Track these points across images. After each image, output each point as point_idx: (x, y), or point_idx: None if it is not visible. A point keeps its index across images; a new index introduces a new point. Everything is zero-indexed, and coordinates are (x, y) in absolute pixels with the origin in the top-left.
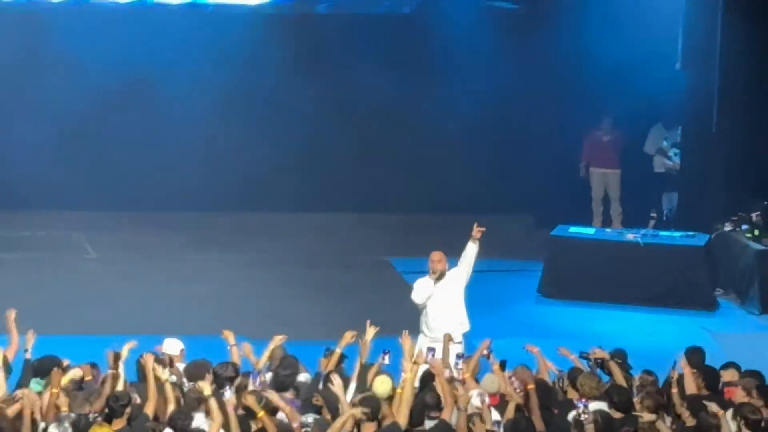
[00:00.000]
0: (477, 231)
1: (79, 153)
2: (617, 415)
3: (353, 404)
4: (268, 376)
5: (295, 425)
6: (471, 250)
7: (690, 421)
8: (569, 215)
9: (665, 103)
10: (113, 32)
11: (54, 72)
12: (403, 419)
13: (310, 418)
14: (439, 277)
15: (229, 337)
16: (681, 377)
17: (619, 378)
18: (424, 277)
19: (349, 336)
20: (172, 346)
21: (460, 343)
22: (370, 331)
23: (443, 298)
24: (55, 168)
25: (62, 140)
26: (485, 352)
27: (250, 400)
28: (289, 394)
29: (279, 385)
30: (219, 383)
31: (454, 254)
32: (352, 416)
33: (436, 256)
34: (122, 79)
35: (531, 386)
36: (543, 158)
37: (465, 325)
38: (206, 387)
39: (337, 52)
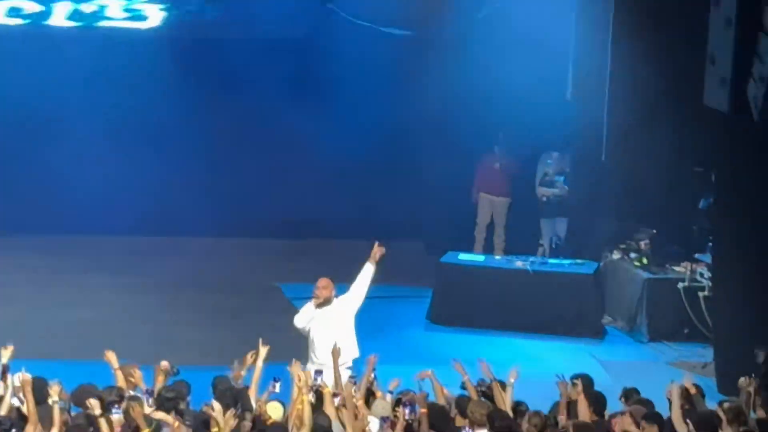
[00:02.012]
0: (377, 250)
1: None
2: None
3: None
4: None
5: None
6: (368, 271)
7: None
8: (457, 242)
9: (556, 132)
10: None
11: None
12: None
13: None
14: (324, 303)
15: (112, 359)
16: (574, 403)
17: (501, 402)
18: (309, 302)
19: (249, 358)
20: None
21: (349, 368)
22: (263, 351)
23: (328, 324)
24: None
25: None
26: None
27: (139, 419)
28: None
29: (161, 408)
30: (105, 406)
31: (342, 280)
32: None
33: (322, 282)
34: (12, 101)
35: (423, 410)
36: (433, 184)
37: (353, 352)
38: (96, 405)
39: (230, 75)
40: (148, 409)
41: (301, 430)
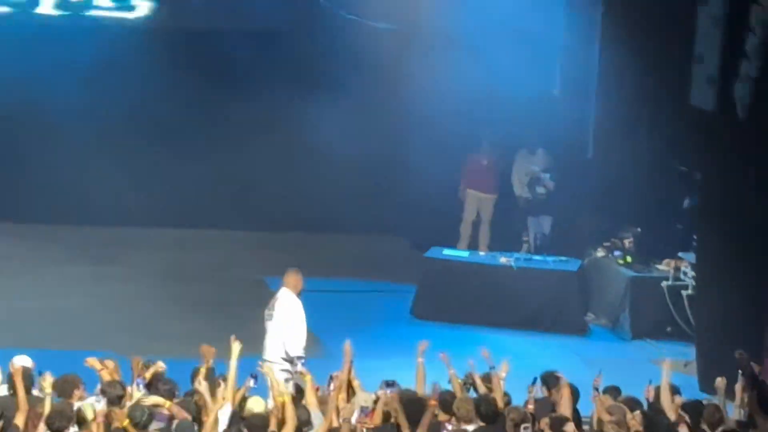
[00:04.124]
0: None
1: None
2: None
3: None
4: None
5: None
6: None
7: None
8: (442, 237)
9: (542, 128)
10: None
11: None
12: None
13: None
14: None
15: (95, 364)
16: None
17: (497, 393)
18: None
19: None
20: (24, 362)
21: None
22: (236, 348)
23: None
24: None
25: None
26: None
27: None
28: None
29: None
30: (110, 402)
31: (321, 273)
32: None
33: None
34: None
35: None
36: (418, 180)
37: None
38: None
39: (218, 66)
40: (137, 395)
41: (286, 426)
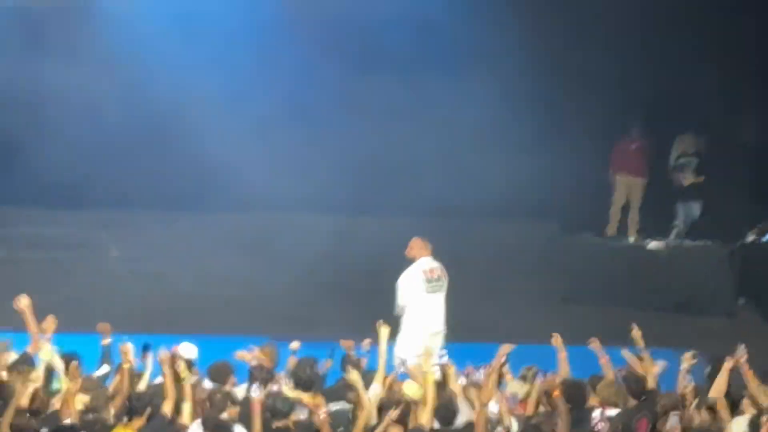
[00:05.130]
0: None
1: (105, 151)
2: (632, 402)
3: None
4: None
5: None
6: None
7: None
8: (590, 222)
9: (692, 113)
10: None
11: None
12: (427, 421)
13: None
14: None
15: (244, 356)
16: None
17: (643, 369)
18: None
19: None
20: (189, 349)
21: None
22: (384, 332)
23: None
24: (81, 166)
25: (88, 138)
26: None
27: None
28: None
29: (303, 385)
30: (252, 381)
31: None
32: (389, 420)
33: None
34: (143, 82)
35: (556, 393)
36: (569, 163)
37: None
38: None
39: (374, 53)
40: (287, 390)
41: (426, 408)
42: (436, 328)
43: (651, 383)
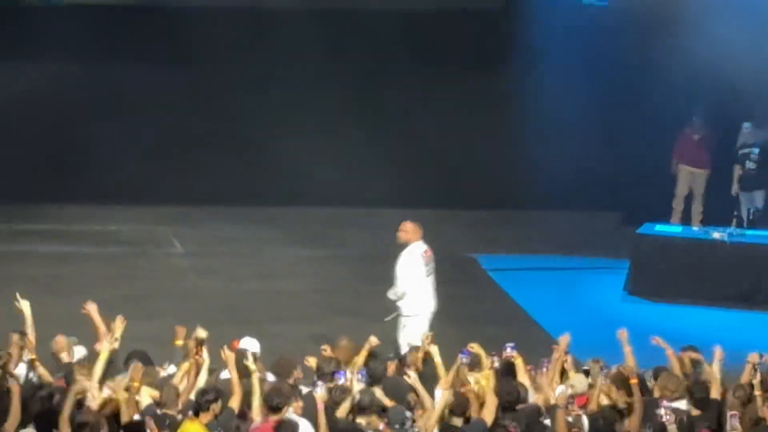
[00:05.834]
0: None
1: (166, 148)
2: (696, 412)
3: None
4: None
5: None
6: None
7: None
8: (654, 212)
9: (755, 103)
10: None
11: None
12: (489, 414)
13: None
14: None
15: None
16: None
17: (711, 374)
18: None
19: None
20: (252, 344)
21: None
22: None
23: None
24: (142, 162)
25: (149, 136)
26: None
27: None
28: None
29: (372, 379)
30: (321, 376)
31: (536, 250)
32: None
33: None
34: (203, 78)
35: (634, 380)
36: (631, 154)
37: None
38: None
39: (429, 48)
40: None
41: (487, 399)
42: (433, 310)
43: (714, 393)
